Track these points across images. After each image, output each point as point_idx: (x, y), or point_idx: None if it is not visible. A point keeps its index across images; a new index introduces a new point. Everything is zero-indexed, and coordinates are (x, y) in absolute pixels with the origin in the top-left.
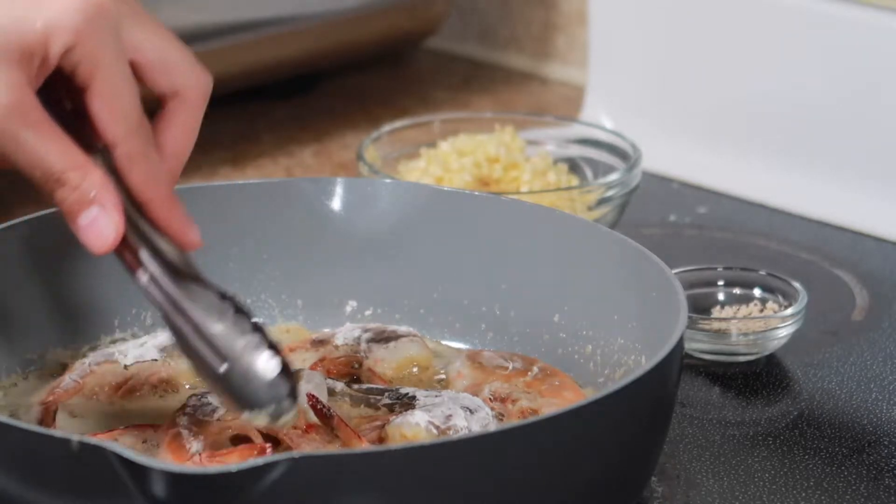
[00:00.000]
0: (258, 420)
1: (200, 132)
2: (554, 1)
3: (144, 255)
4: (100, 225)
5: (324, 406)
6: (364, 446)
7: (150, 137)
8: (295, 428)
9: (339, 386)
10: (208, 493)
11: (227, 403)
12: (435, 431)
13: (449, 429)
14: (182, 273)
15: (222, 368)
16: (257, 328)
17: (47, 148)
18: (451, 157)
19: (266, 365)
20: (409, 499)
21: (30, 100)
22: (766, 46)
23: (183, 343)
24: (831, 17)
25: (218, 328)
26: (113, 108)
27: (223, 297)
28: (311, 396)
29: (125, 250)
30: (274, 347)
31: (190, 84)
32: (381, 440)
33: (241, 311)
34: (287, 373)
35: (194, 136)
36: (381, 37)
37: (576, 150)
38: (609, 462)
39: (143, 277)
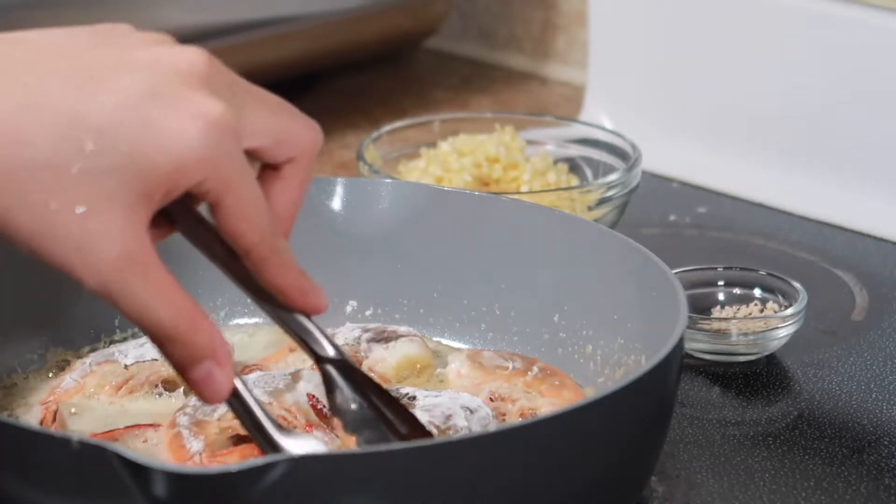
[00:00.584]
0: None
1: None
2: (554, 1)
3: (251, 401)
4: (215, 379)
5: (324, 406)
6: (364, 446)
7: (278, 231)
8: (294, 428)
9: None
10: (208, 493)
11: None
12: (435, 431)
13: (449, 428)
14: (285, 428)
15: None
16: (398, 434)
17: (158, 301)
18: (451, 157)
19: None
20: (409, 499)
21: (144, 246)
22: (766, 47)
23: None
24: (831, 18)
25: None
26: (245, 222)
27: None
28: (311, 396)
29: (233, 398)
30: None
31: (303, 149)
32: None
33: (380, 417)
34: None
35: (306, 191)
36: (381, 37)
37: (576, 150)
38: (609, 462)
39: (248, 424)
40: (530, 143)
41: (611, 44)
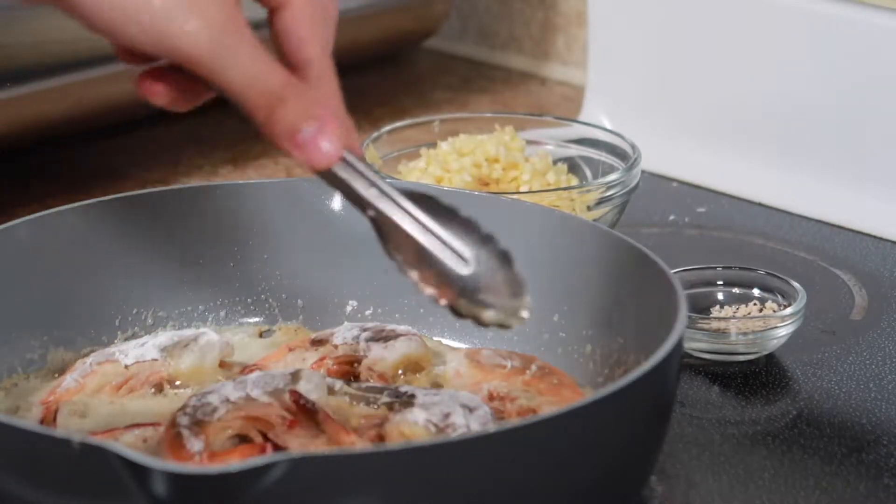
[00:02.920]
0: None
1: (202, 132)
2: (553, 1)
3: (368, 171)
4: (327, 135)
5: (307, 401)
6: (353, 440)
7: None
8: (283, 420)
9: (339, 385)
10: (209, 492)
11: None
12: (433, 429)
13: (448, 427)
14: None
15: (465, 271)
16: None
17: (265, 63)
18: (450, 157)
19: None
20: (409, 499)
21: (241, 15)
22: (766, 46)
23: (421, 251)
24: (831, 17)
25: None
26: (310, 27)
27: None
28: (293, 393)
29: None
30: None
31: None
32: (379, 438)
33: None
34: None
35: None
36: (381, 37)
37: (575, 150)
38: (608, 461)
39: (372, 194)
40: (530, 143)
41: (610, 44)
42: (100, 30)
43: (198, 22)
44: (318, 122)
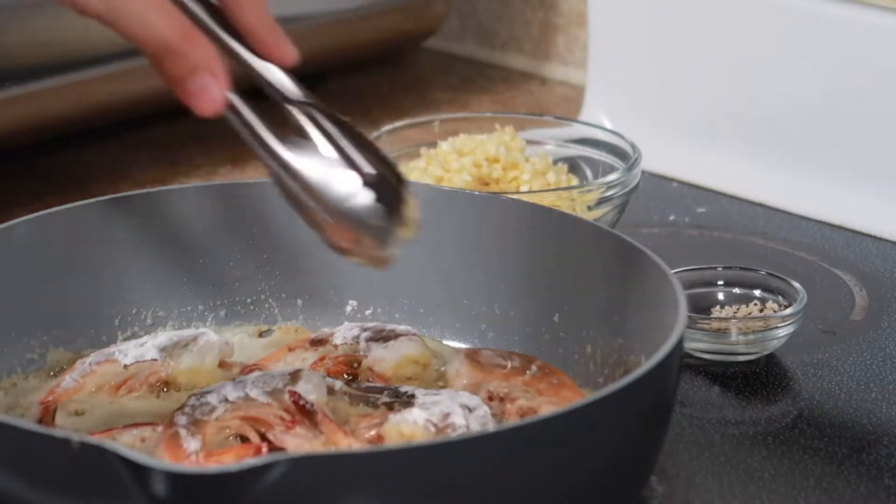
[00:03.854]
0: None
1: (201, 131)
2: (553, 1)
3: (248, 114)
4: (211, 91)
5: (306, 402)
6: (351, 442)
7: None
8: (282, 421)
9: (339, 384)
10: (208, 492)
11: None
12: (433, 429)
13: (447, 427)
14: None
15: (327, 217)
16: (362, 174)
17: (157, 15)
18: (450, 157)
19: (363, 209)
20: (409, 499)
21: None
22: (766, 47)
23: (288, 196)
24: (831, 18)
25: (318, 178)
26: None
27: (330, 140)
28: (292, 393)
29: (231, 111)
30: (374, 184)
31: None
32: (379, 438)
33: (346, 159)
34: (388, 204)
35: None
36: (381, 37)
37: (575, 150)
38: (608, 461)
39: (248, 135)
40: (530, 143)
41: (611, 44)
42: None
43: None
44: (206, 74)
